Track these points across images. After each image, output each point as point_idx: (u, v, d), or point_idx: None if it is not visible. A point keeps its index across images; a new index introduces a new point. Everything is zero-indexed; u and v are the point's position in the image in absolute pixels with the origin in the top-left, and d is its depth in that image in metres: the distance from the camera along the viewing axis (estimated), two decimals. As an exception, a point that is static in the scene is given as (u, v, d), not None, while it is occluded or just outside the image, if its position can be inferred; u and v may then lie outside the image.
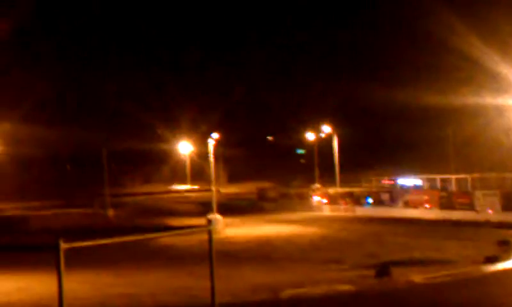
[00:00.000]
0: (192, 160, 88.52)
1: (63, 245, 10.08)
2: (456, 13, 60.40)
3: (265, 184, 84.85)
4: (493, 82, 58.78)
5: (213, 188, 51.45)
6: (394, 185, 65.77)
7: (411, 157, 78.86)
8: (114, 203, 68.63)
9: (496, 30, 60.64)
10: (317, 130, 77.40)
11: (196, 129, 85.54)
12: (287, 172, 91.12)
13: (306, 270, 25.61)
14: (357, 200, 59.54)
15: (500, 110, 58.52)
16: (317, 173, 77.53)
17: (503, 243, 29.59)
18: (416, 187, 58.55)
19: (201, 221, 46.35)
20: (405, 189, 58.47)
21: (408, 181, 64.51)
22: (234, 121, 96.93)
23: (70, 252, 10.17)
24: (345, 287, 21.16)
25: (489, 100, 58.54)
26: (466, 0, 64.91)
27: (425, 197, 51.34)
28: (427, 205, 50.38)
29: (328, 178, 72.67)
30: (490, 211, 43.92)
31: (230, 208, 60.30)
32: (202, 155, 69.28)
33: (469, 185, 54.66)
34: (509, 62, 57.21)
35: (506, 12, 61.58)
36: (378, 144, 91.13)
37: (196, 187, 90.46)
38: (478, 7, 61.37)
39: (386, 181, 70.89)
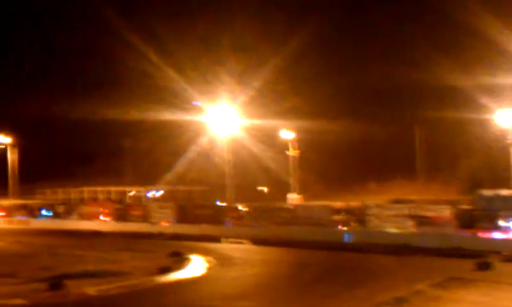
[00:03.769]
0: None
1: None
2: (146, 41, 62.28)
3: None
4: (172, 98, 61.33)
5: None
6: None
7: (91, 169, 78.48)
8: None
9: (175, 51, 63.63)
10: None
11: None
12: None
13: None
14: (32, 212, 57.72)
15: (180, 126, 61.03)
16: None
17: (175, 254, 30.91)
18: (93, 200, 58.36)
19: None
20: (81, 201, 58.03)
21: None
22: None
23: None
24: (18, 301, 20.52)
25: (168, 115, 60.94)
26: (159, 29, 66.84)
27: (101, 209, 51.43)
28: (102, 217, 50.47)
29: (3, 189, 69.47)
30: (165, 223, 45.25)
31: None
32: None
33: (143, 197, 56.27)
34: (189, 82, 60.37)
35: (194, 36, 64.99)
36: (58, 156, 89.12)
37: None
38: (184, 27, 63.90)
39: None
